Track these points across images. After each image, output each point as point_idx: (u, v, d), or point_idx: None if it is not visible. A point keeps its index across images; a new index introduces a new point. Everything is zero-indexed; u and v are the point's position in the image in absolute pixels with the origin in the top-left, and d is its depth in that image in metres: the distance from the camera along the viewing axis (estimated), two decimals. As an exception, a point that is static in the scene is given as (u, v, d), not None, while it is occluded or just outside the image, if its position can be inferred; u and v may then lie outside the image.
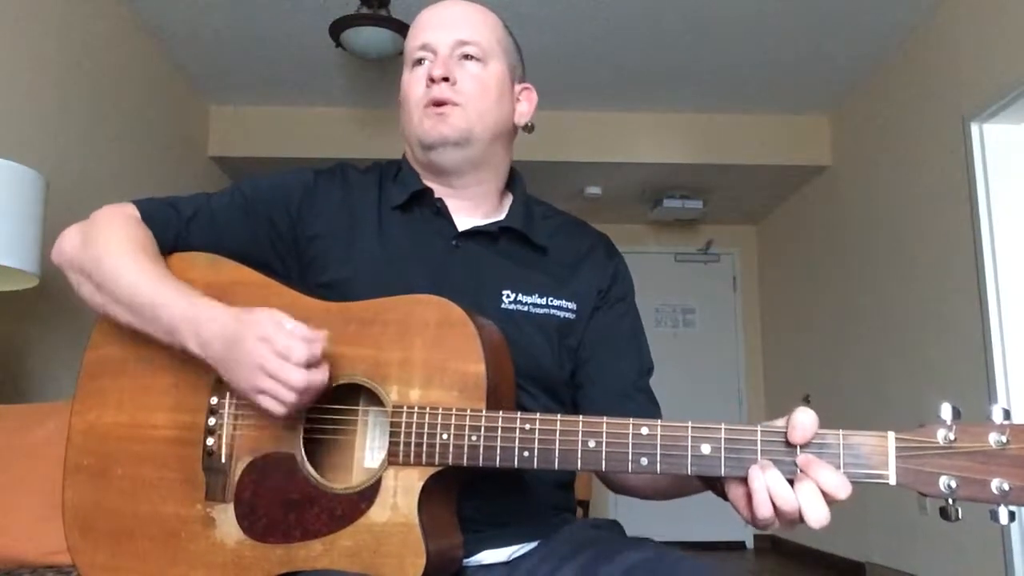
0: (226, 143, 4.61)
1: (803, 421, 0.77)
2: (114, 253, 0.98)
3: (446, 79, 1.05)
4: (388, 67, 3.70)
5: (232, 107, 4.62)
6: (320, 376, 0.86)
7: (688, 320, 6.08)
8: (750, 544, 5.74)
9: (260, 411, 0.89)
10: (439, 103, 1.05)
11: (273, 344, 0.85)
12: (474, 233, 1.08)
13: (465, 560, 0.96)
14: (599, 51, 3.99)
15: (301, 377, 0.84)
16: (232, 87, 4.39)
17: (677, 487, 0.98)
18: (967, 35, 3.38)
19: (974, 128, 3.27)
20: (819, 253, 4.99)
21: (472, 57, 1.08)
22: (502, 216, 1.12)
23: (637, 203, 5.58)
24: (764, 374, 5.95)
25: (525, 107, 1.17)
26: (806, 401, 4.85)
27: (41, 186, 2.09)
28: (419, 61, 1.09)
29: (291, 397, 0.85)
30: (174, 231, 1.05)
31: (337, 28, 3.41)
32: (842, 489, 0.76)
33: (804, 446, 0.78)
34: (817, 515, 0.75)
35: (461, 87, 1.06)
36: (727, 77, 4.27)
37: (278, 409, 0.86)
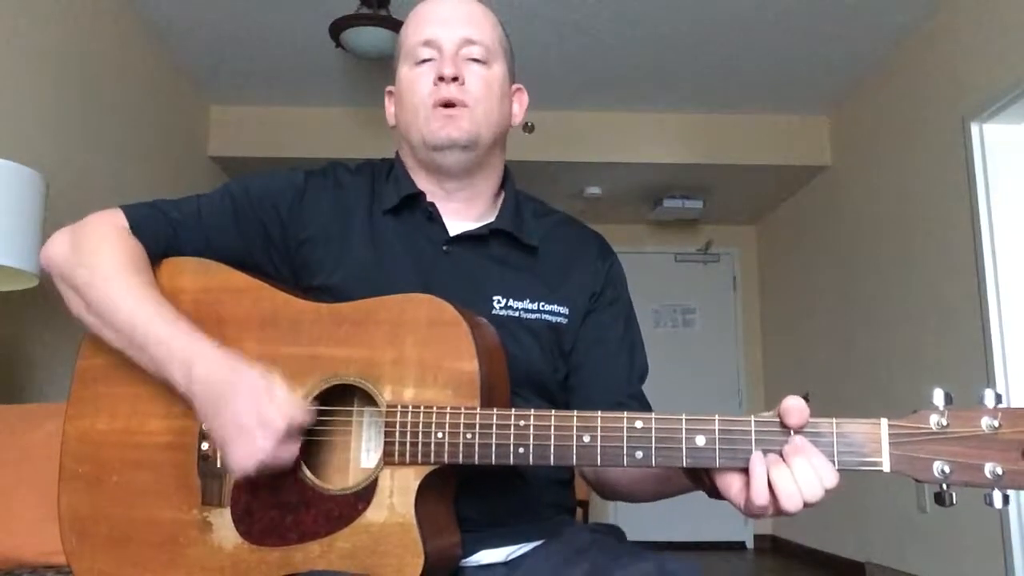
0: (226, 143, 4.61)
1: (795, 404, 0.78)
2: (106, 276, 0.98)
3: (456, 79, 1.04)
4: (388, 67, 3.70)
5: (232, 107, 4.61)
6: (288, 453, 0.87)
7: (688, 320, 6.08)
8: (750, 544, 5.74)
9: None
10: (449, 104, 1.04)
11: (258, 407, 0.85)
12: (465, 237, 1.07)
13: (463, 560, 0.96)
14: (599, 51, 3.99)
15: (271, 446, 0.85)
16: (232, 87, 4.39)
17: (665, 486, 0.97)
18: (967, 35, 3.37)
19: (974, 128, 3.27)
20: (819, 253, 4.99)
21: (478, 60, 1.07)
22: (494, 217, 1.11)
23: (637, 203, 5.58)
24: (764, 374, 5.95)
25: (517, 108, 1.16)
26: (805, 399, 4.85)
27: (41, 186, 2.09)
28: (424, 59, 1.07)
29: (253, 462, 0.86)
30: (165, 239, 1.04)
31: (337, 28, 3.41)
32: (829, 478, 0.76)
33: (798, 433, 0.78)
34: (812, 490, 0.76)
35: (469, 88, 1.05)
36: (727, 77, 4.27)
37: (239, 465, 0.86)
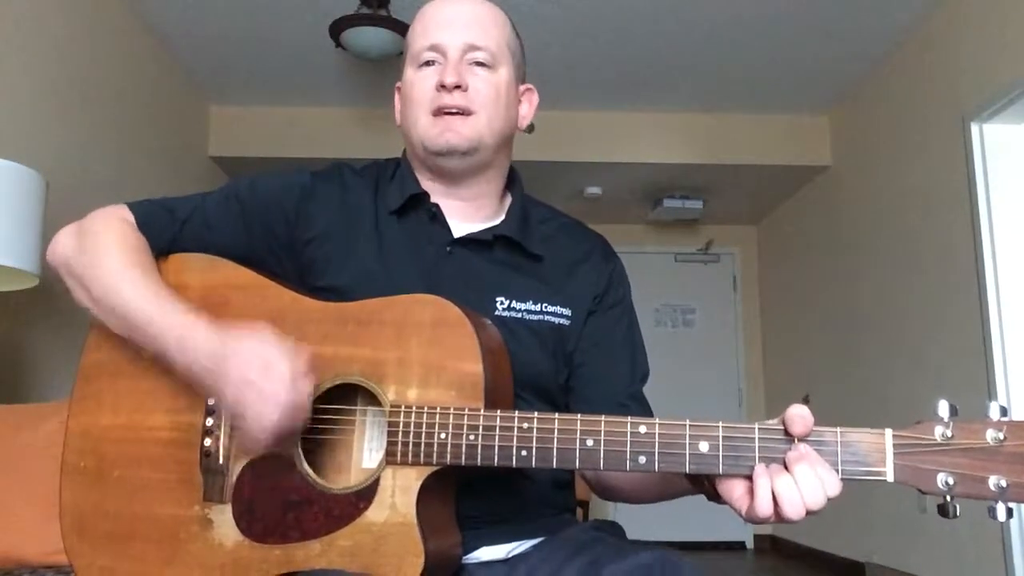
0: (226, 143, 4.61)
1: (800, 412, 0.78)
2: (110, 265, 0.99)
3: (458, 87, 1.03)
4: (388, 67, 3.70)
5: (232, 107, 4.62)
6: (304, 387, 0.86)
7: (688, 320, 6.08)
8: (750, 544, 5.74)
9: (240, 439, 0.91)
10: (449, 111, 1.03)
11: (260, 354, 0.86)
12: (469, 240, 1.07)
13: (464, 557, 0.96)
14: (599, 51, 3.99)
15: (283, 393, 0.84)
16: (232, 87, 4.40)
17: (665, 489, 0.97)
18: (967, 35, 3.38)
19: (974, 128, 3.27)
20: (819, 253, 4.99)
21: (482, 64, 1.06)
22: (500, 218, 1.11)
23: (637, 203, 5.58)
24: (764, 374, 5.95)
25: (526, 108, 1.15)
26: (805, 401, 4.84)
27: (41, 186, 2.09)
28: (428, 62, 1.06)
29: (275, 414, 0.85)
30: (169, 235, 1.05)
31: (337, 28, 3.41)
32: (832, 486, 0.76)
33: (802, 441, 0.78)
34: (815, 498, 0.76)
35: (472, 95, 1.04)
36: (727, 77, 4.27)
37: (259, 424, 0.85)
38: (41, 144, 2.81)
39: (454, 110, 1.03)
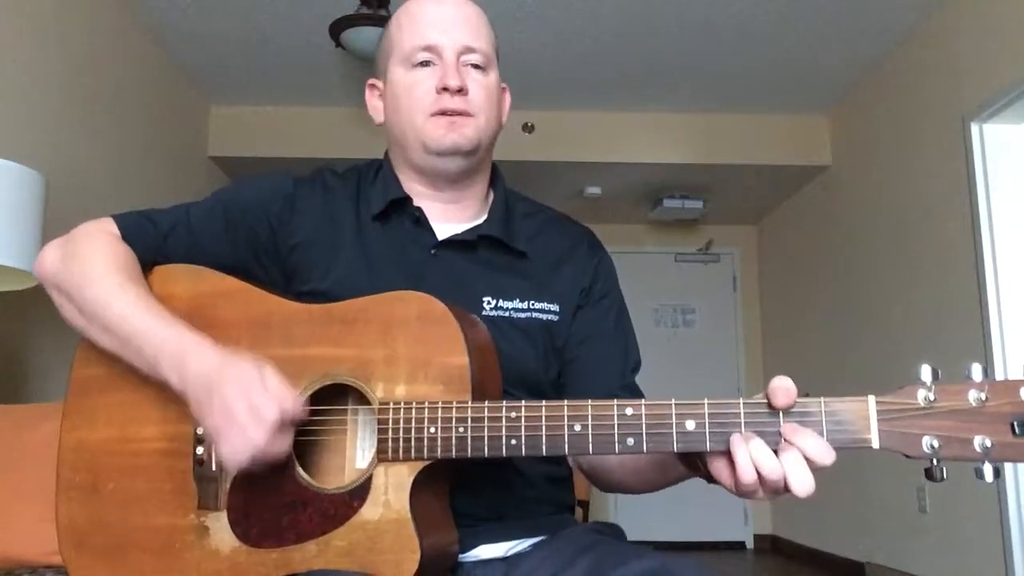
0: (226, 143, 4.62)
1: (782, 384, 0.78)
2: (97, 277, 0.98)
3: (460, 90, 1.03)
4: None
5: (232, 107, 4.62)
6: (281, 446, 0.86)
7: (688, 320, 6.08)
8: (750, 544, 5.74)
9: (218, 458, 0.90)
10: (452, 113, 1.03)
11: (250, 397, 0.85)
12: (453, 242, 1.07)
13: (462, 555, 0.96)
14: (599, 51, 3.99)
15: (263, 437, 0.84)
16: (232, 87, 4.40)
17: (662, 474, 0.97)
18: (967, 35, 3.37)
19: (974, 128, 3.27)
20: (819, 253, 4.99)
21: (477, 66, 1.06)
22: (483, 217, 1.11)
23: (637, 203, 5.58)
24: (764, 374, 5.94)
25: (505, 108, 1.16)
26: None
27: (41, 186, 2.09)
28: (423, 62, 1.06)
29: (246, 455, 0.85)
30: (155, 246, 1.05)
31: (337, 28, 3.41)
32: (826, 455, 0.76)
33: (787, 413, 0.78)
34: (802, 483, 0.76)
35: (472, 97, 1.04)
36: (727, 77, 4.27)
37: (232, 459, 0.85)
38: (41, 144, 2.81)
39: (457, 113, 1.03)
